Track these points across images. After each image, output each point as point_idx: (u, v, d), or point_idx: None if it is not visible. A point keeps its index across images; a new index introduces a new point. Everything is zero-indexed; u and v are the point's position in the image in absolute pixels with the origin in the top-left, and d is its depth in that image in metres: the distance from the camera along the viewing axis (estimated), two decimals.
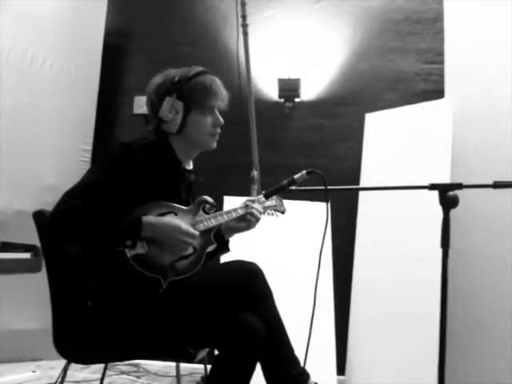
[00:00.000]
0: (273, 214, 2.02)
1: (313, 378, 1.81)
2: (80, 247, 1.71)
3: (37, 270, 2.21)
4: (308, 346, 1.82)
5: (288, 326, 1.82)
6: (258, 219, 1.90)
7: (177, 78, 1.84)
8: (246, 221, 1.90)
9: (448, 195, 1.62)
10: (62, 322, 1.78)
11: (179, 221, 1.72)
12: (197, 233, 1.75)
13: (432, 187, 1.68)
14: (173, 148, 1.87)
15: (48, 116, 3.33)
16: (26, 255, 2.26)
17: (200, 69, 1.90)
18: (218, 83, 1.89)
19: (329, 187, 1.76)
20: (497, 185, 1.68)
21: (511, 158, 2.61)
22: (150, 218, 1.68)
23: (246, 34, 3.11)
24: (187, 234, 1.71)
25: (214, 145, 1.93)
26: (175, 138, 1.86)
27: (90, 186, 1.68)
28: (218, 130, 1.92)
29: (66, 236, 1.65)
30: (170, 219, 1.72)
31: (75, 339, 1.75)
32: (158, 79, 1.89)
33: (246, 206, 1.91)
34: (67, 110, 3.40)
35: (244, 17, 3.12)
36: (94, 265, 1.71)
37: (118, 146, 1.79)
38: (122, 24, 3.80)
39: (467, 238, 2.64)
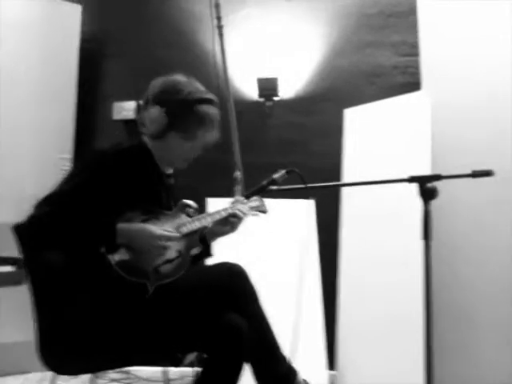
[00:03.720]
0: (256, 214, 2.02)
1: (303, 374, 1.81)
2: (57, 254, 1.69)
3: (21, 282, 2.19)
4: (296, 343, 1.82)
5: (275, 325, 1.82)
6: (240, 220, 1.88)
7: (179, 97, 1.79)
8: (229, 224, 1.88)
9: (427, 187, 1.64)
10: (47, 335, 1.76)
11: (153, 226, 1.70)
12: (176, 234, 1.73)
13: (411, 180, 1.70)
14: (151, 153, 1.85)
15: (26, 125, 3.29)
16: (10, 268, 2.24)
17: (207, 96, 1.84)
18: (216, 117, 1.84)
19: (309, 185, 1.76)
20: (475, 174, 1.70)
21: (489, 150, 2.63)
22: (123, 226, 1.66)
23: (221, 36, 3.10)
24: (161, 237, 1.68)
25: (185, 166, 1.89)
26: (152, 143, 1.84)
27: (63, 193, 1.66)
28: (194, 157, 1.88)
29: (42, 242, 1.63)
30: (143, 225, 1.70)
31: (61, 352, 1.72)
32: (160, 86, 1.83)
33: (230, 208, 1.89)
34: (45, 118, 3.36)
35: (219, 18, 3.11)
36: (77, 274, 1.68)
37: (92, 153, 1.79)
38: (97, 30, 3.76)
39: (450, 230, 2.66)
